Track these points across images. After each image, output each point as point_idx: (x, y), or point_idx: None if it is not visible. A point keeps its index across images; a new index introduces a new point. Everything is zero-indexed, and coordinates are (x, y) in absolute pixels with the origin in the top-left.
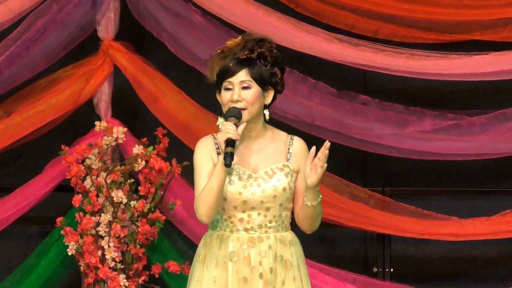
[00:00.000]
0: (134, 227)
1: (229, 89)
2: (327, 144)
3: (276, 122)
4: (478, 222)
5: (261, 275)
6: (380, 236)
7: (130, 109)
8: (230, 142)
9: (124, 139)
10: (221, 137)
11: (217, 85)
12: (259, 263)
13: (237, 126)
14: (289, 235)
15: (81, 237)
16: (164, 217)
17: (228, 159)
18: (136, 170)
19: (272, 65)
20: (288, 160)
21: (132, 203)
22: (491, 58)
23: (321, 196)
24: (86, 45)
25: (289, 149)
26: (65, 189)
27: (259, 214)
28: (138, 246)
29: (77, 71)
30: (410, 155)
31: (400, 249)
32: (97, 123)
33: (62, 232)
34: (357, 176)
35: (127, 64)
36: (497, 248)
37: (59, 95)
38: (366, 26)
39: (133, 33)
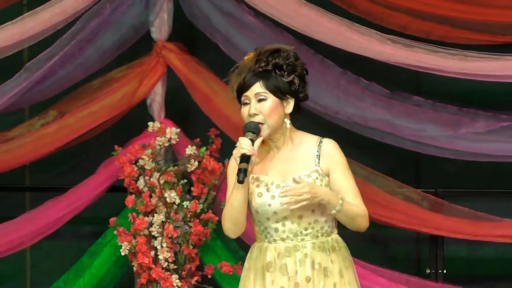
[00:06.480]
0: (187, 228)
1: (246, 103)
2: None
3: (328, 123)
4: None
5: (296, 285)
6: (433, 238)
7: (183, 110)
8: (244, 158)
9: (177, 139)
10: (236, 153)
11: (239, 102)
12: (295, 272)
13: (253, 141)
14: (331, 241)
15: (134, 238)
16: (216, 218)
17: (241, 175)
18: (189, 170)
19: (289, 73)
20: (317, 164)
21: (185, 203)
22: None
23: (338, 208)
24: (140, 46)
25: (317, 152)
26: (118, 189)
27: (292, 222)
28: (191, 247)
29: (131, 71)
30: (463, 157)
31: (453, 251)
32: (150, 123)
33: (115, 232)
34: (410, 177)
35: (180, 65)
36: None
37: (113, 96)
38: (419, 27)
39: (186, 34)
